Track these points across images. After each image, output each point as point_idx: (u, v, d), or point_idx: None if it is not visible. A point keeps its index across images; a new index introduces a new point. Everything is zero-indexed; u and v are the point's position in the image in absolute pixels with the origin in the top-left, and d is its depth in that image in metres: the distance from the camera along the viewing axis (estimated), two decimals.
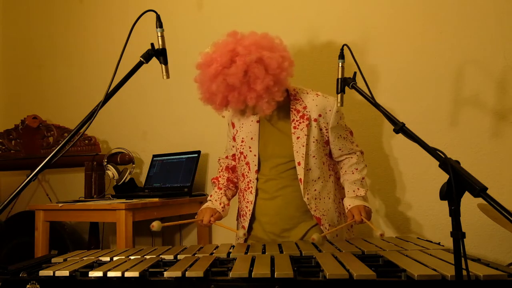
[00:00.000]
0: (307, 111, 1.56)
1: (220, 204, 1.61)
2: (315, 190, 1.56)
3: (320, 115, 1.57)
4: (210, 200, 1.65)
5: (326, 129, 1.59)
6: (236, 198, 1.76)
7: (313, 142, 1.56)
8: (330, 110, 1.57)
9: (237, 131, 1.66)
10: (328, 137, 1.60)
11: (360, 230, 2.12)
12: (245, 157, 1.61)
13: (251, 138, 1.60)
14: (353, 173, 1.63)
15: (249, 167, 1.60)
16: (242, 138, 1.62)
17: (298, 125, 1.55)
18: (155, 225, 1.31)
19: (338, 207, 1.64)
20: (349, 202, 1.56)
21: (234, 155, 1.73)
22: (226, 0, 2.45)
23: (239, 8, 2.40)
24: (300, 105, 1.57)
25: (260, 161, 1.59)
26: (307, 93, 1.60)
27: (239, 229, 1.60)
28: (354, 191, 1.59)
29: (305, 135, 1.54)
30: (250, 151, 1.59)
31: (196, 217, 1.61)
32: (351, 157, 1.65)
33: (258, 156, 1.59)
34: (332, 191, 1.63)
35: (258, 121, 1.61)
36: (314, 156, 1.56)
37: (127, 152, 2.56)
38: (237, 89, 1.37)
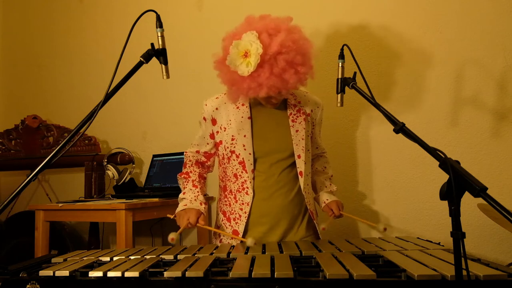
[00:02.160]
0: (301, 106, 1.58)
1: (200, 203, 1.49)
2: (308, 184, 1.59)
3: (312, 111, 1.61)
4: (185, 199, 1.51)
5: (313, 125, 1.64)
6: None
7: (308, 136, 1.58)
8: (318, 107, 1.63)
9: (224, 128, 1.53)
10: (311, 134, 1.64)
11: (360, 229, 2.12)
12: (237, 156, 1.50)
13: (244, 136, 1.49)
14: (324, 170, 1.73)
15: (243, 166, 1.49)
16: (232, 135, 1.50)
17: (296, 118, 1.55)
18: (175, 237, 1.27)
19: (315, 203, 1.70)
20: (327, 197, 1.64)
21: (206, 152, 1.63)
22: (226, 0, 2.45)
23: (239, 9, 2.40)
24: (295, 99, 1.59)
25: (256, 159, 1.50)
26: (298, 90, 1.63)
27: (246, 237, 1.39)
28: (326, 186, 1.68)
29: (303, 128, 1.55)
30: (245, 149, 1.48)
31: (177, 221, 1.47)
32: (322, 156, 1.76)
33: (253, 154, 1.50)
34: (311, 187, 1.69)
35: (249, 118, 1.52)
36: (308, 150, 1.58)
37: (127, 152, 2.56)
38: (295, 66, 1.33)
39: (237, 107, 1.54)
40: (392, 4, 2.07)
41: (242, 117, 1.52)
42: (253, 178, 1.50)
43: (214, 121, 1.56)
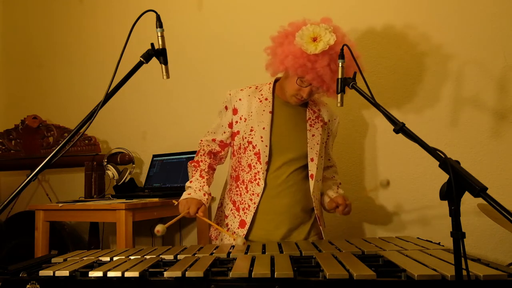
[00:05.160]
0: (320, 113, 1.63)
1: (204, 194, 1.49)
2: (317, 190, 1.61)
3: (329, 121, 1.64)
4: (190, 187, 1.51)
5: (328, 136, 1.66)
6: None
7: (323, 143, 1.60)
8: (335, 119, 1.68)
9: (244, 119, 1.56)
10: (325, 144, 1.65)
11: (361, 229, 2.12)
12: (254, 147, 1.53)
13: (263, 128, 1.52)
14: (332, 178, 1.74)
15: (258, 157, 1.51)
16: (252, 127, 1.53)
17: (314, 124, 1.59)
18: (160, 230, 1.24)
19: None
20: (332, 194, 1.65)
21: (222, 141, 1.63)
22: (226, 0, 2.45)
23: (239, 8, 2.40)
24: (315, 107, 1.64)
25: (271, 153, 1.53)
26: (319, 99, 1.68)
27: (237, 236, 1.31)
28: (333, 189, 1.69)
29: (320, 134, 1.58)
30: (262, 141, 1.51)
31: (179, 208, 1.46)
32: (332, 167, 1.76)
33: (270, 147, 1.52)
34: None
35: (271, 112, 1.55)
36: (321, 157, 1.60)
37: (127, 152, 2.56)
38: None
39: (260, 101, 1.58)
40: (392, 4, 2.07)
41: (264, 110, 1.56)
42: (266, 170, 1.52)
43: (235, 111, 1.59)
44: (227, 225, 1.60)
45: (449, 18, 1.97)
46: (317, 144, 1.56)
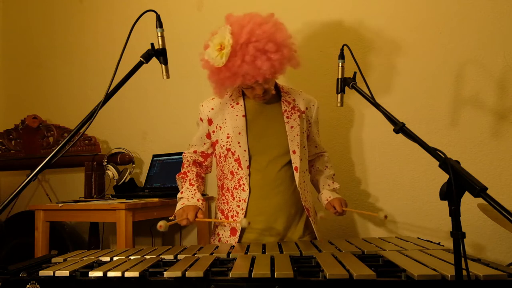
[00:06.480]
0: (296, 103, 1.61)
1: (197, 200, 1.51)
2: (304, 181, 1.59)
3: (306, 108, 1.63)
4: (183, 198, 1.53)
5: (309, 124, 1.65)
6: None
7: (303, 133, 1.60)
8: (313, 105, 1.66)
9: (220, 127, 1.56)
10: (309, 132, 1.65)
11: (360, 229, 2.12)
12: (233, 154, 1.52)
13: (239, 133, 1.52)
14: (325, 169, 1.74)
15: (239, 163, 1.51)
16: (228, 134, 1.53)
17: (291, 115, 1.57)
18: (163, 225, 1.26)
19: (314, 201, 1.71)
20: (329, 194, 1.65)
21: (203, 152, 1.66)
22: (226, 0, 2.45)
23: (239, 9, 2.39)
24: (290, 97, 1.62)
25: (251, 156, 1.52)
26: (292, 89, 1.67)
27: (241, 219, 1.37)
28: (329, 184, 1.69)
29: (298, 125, 1.56)
30: (239, 146, 1.51)
31: (177, 219, 1.45)
32: (322, 156, 1.76)
33: (249, 151, 1.51)
34: (310, 185, 1.70)
35: (244, 116, 1.54)
36: (304, 147, 1.60)
37: (127, 152, 2.56)
38: (267, 53, 1.35)
39: (232, 106, 1.57)
40: (392, 4, 2.07)
41: (237, 115, 1.55)
42: (249, 175, 1.51)
43: (210, 121, 1.59)
44: (218, 234, 1.59)
45: (449, 18, 1.97)
46: (297, 135, 1.54)
